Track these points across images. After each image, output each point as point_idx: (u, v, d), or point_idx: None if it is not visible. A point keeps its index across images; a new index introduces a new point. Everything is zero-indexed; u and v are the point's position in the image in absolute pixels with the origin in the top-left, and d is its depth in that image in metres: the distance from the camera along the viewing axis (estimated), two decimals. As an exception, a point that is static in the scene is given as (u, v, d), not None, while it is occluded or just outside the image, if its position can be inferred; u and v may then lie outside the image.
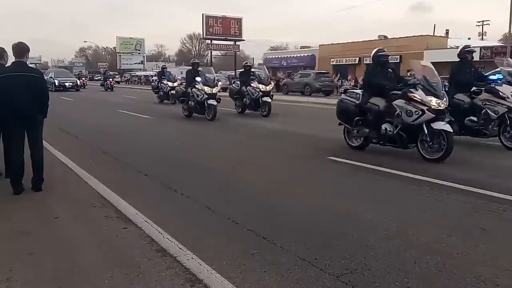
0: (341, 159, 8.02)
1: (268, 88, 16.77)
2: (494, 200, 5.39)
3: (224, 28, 49.43)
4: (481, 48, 37.80)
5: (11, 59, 5.92)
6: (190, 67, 17.42)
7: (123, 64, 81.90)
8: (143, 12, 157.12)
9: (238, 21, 50.44)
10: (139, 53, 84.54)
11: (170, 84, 23.42)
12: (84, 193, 5.89)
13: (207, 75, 15.92)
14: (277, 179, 6.84)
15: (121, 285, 3.32)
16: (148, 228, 4.47)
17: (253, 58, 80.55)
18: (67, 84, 37.83)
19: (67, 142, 10.47)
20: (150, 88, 32.28)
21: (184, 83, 17.22)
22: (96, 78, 65.69)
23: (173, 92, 20.83)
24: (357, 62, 46.47)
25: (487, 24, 66.37)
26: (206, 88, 15.22)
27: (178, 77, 26.92)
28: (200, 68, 17.21)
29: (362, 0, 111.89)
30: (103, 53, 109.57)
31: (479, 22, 66.26)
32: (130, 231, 4.45)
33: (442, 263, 3.64)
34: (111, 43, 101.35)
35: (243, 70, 18.44)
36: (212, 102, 15.06)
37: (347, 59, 47.36)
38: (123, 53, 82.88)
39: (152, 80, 44.44)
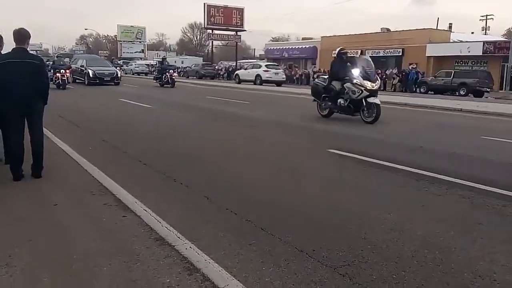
0: (341, 152, 8.01)
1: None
2: (493, 196, 5.39)
3: (226, 17, 49.35)
4: (484, 42, 37.60)
5: (10, 45, 5.87)
6: (337, 58, 13.60)
7: (124, 52, 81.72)
8: (144, 0, 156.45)
9: (240, 11, 50.35)
10: (140, 42, 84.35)
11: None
12: (84, 180, 5.89)
13: (365, 67, 12.82)
14: (277, 170, 6.84)
15: (119, 273, 3.33)
16: (146, 217, 4.47)
17: (254, 49, 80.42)
18: (105, 75, 29.39)
19: (67, 130, 10.46)
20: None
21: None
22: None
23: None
24: (359, 54, 46.28)
25: (490, 18, 66.10)
26: (368, 84, 12.38)
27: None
28: (354, 57, 15.10)
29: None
30: (104, 41, 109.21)
31: (482, 16, 66.04)
32: (128, 219, 4.45)
33: (440, 257, 3.65)
34: (112, 31, 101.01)
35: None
36: (374, 100, 12.24)
37: (349, 51, 47.10)
38: (124, 41, 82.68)
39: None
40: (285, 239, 3.99)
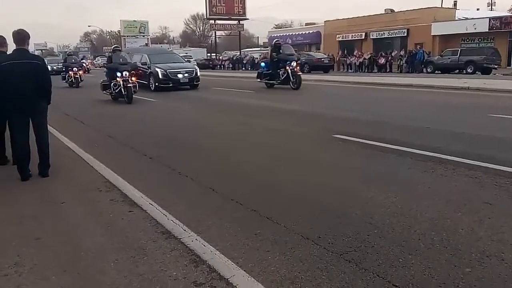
0: (346, 137, 7.97)
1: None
2: (501, 174, 5.34)
3: (228, 7, 49.03)
4: (490, 18, 37.07)
5: (11, 47, 5.90)
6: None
7: (127, 47, 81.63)
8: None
9: (242, -1, 49.92)
10: (143, 36, 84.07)
11: None
12: (90, 177, 5.93)
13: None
14: (282, 158, 6.83)
15: (127, 267, 3.35)
16: (153, 211, 4.50)
17: (258, 37, 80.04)
18: (180, 76, 20.50)
19: (73, 127, 10.52)
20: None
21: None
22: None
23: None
24: (363, 37, 45.99)
25: (496, -6, 65.03)
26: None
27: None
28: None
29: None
30: (108, 37, 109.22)
31: (488, -8, 64.95)
32: (135, 214, 4.48)
33: (447, 239, 3.63)
34: (115, 27, 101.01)
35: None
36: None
37: (353, 34, 46.84)
38: (127, 36, 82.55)
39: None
40: (291, 227, 3.98)
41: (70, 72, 24.79)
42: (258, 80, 21.14)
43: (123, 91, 15.49)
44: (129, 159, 7.17)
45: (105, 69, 17.72)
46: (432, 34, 39.63)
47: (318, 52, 45.44)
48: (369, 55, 38.10)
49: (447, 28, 38.88)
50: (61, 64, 26.09)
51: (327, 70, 35.63)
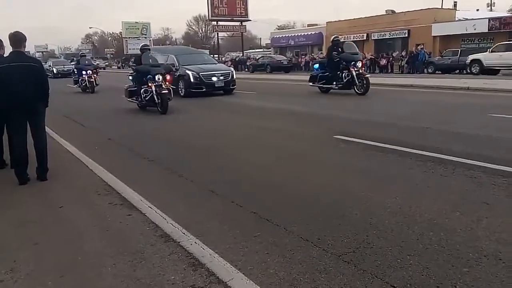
0: (348, 138, 7.96)
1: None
2: (500, 174, 5.33)
3: (230, 8, 49.00)
4: (489, 19, 37.01)
5: (8, 49, 5.92)
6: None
7: (129, 49, 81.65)
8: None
9: (244, 0, 49.93)
10: (145, 37, 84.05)
11: None
12: (89, 180, 5.92)
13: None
14: (282, 159, 6.83)
15: (124, 272, 3.34)
16: (152, 214, 4.49)
17: (260, 38, 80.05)
18: (215, 79, 17.85)
19: (72, 129, 10.53)
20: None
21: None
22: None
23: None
24: (365, 38, 45.97)
25: (495, -6, 64.89)
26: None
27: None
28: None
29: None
30: (109, 38, 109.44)
31: (487, -8, 64.84)
32: (134, 217, 4.47)
33: (445, 239, 3.62)
34: (116, 29, 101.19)
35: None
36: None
37: (355, 35, 46.81)
38: (129, 38, 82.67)
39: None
40: (290, 229, 3.98)
41: (84, 75, 21.55)
42: (311, 84, 17.97)
43: (155, 99, 12.73)
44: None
45: (132, 72, 14.70)
46: (432, 34, 39.58)
47: (279, 55, 47.83)
48: (370, 56, 38.13)
49: (447, 28, 38.82)
50: (73, 65, 23.49)
51: (287, 71, 40.46)
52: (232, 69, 20.71)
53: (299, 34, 55.91)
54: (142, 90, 13.16)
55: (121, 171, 6.26)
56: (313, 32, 53.22)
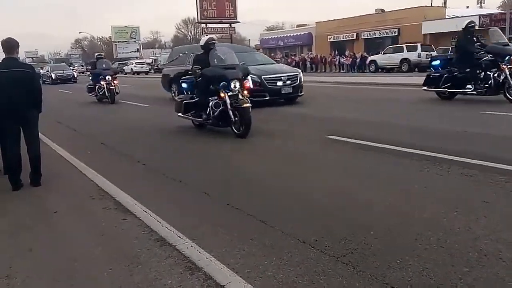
0: (341, 138, 7.95)
1: None
2: (496, 171, 5.33)
3: (219, 10, 48.86)
4: (480, 16, 37.26)
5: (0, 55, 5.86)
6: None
7: (119, 53, 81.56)
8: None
9: (233, 2, 49.81)
10: (134, 41, 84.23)
11: None
12: (83, 185, 5.86)
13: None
14: (276, 161, 6.79)
15: (121, 277, 3.29)
16: (147, 218, 4.44)
17: (249, 40, 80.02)
18: (280, 84, 13.66)
19: (65, 135, 10.44)
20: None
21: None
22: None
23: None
24: (354, 37, 46.16)
25: (485, -9, 65.39)
26: None
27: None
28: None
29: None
30: (99, 43, 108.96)
31: (477, -11, 65.30)
32: (129, 222, 4.42)
33: (444, 239, 3.60)
34: (106, 33, 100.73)
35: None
36: None
37: (345, 35, 47.01)
38: (118, 42, 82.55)
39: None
40: (287, 231, 3.94)
41: (102, 82, 17.11)
42: (425, 88, 13.20)
43: (231, 116, 8.65)
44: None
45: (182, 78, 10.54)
46: (422, 32, 39.81)
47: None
48: (361, 55, 38.29)
49: (438, 26, 39.05)
50: (72, 70, 19.33)
51: None
52: (299, 70, 15.90)
53: (289, 35, 56.10)
54: (212, 103, 8.98)
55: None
56: (302, 33, 53.41)
